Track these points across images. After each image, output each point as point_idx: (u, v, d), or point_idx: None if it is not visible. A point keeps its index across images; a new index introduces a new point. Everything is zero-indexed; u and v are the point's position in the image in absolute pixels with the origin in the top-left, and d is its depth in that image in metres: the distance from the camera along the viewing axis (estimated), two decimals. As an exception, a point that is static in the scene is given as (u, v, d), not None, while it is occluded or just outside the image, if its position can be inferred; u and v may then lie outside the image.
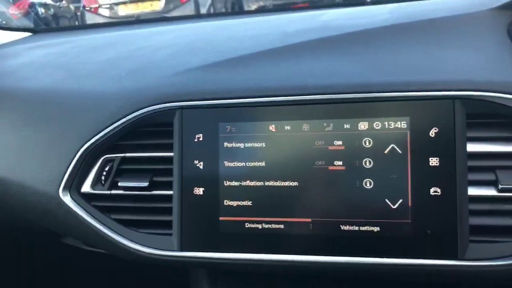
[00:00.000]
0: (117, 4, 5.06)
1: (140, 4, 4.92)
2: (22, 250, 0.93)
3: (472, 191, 0.44)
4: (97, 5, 5.20)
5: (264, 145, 0.48)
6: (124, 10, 5.06)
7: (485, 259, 0.43)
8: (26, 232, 0.76)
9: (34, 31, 1.02)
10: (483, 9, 0.55)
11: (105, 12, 5.21)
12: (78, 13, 5.56)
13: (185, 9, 5.24)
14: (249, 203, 0.48)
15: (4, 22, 1.09)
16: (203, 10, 6.25)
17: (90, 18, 5.30)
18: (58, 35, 0.99)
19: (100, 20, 5.10)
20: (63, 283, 1.04)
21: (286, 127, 0.48)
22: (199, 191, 0.49)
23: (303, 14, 0.75)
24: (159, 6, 4.99)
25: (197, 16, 1.64)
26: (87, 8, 5.21)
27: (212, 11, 6.30)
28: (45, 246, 0.86)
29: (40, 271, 1.01)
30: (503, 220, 0.44)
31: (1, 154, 0.57)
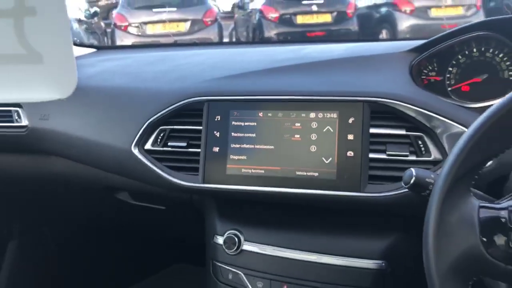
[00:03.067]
0: (145, 23, 5.50)
1: (167, 25, 5.36)
2: (79, 205, 1.28)
3: (371, 155, 0.77)
4: (126, 24, 5.63)
5: (255, 124, 0.82)
6: (152, 30, 5.50)
7: (376, 192, 0.75)
8: (88, 188, 1.11)
9: (98, 47, 1.40)
10: (397, 51, 0.90)
11: (133, 30, 5.65)
12: (109, 30, 6.02)
13: (208, 32, 5.70)
14: (245, 157, 0.81)
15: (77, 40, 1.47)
16: (225, 33, 6.66)
17: (119, 35, 5.75)
18: (116, 52, 1.36)
19: (129, 36, 5.52)
20: (109, 234, 1.38)
21: (268, 114, 0.82)
22: (216, 149, 0.83)
23: (290, 47, 1.11)
24: (184, 27, 5.43)
25: (220, 43, 2.03)
26: (117, 25, 5.66)
27: (230, 35, 6.71)
28: (99, 201, 1.20)
29: (93, 223, 1.35)
30: (389, 172, 0.76)
31: (96, 126, 0.92)
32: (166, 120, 0.87)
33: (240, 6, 6.92)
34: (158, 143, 0.87)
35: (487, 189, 0.63)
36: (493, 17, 0.86)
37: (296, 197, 0.79)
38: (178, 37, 5.36)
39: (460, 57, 0.88)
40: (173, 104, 0.86)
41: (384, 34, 6.41)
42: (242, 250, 0.83)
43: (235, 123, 0.82)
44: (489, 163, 0.71)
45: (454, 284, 0.51)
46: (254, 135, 0.82)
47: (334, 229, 0.81)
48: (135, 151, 0.86)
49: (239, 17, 7.05)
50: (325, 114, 0.80)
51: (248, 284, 0.82)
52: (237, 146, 0.82)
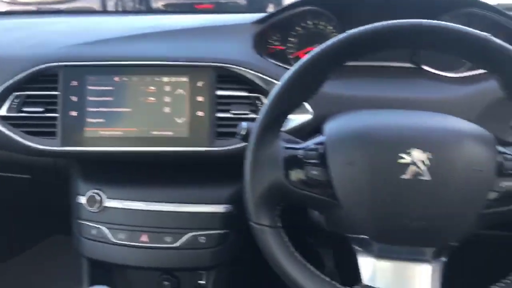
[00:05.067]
0: (16, -11, 5.02)
1: (41, -9, 4.94)
2: None
3: (219, 114, 0.87)
4: (-6, -12, 5.08)
5: (112, 88, 0.87)
6: (24, -4, 5.04)
7: (224, 146, 0.85)
8: None
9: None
10: (244, 22, 1.00)
11: (3, -4, 5.12)
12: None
13: (91, 1, 5.38)
14: (102, 120, 0.86)
15: None
16: (111, 3, 6.33)
17: (-14, 1, 5.18)
18: None
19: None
20: None
21: (124, 79, 0.87)
22: (74, 113, 0.86)
23: (151, 17, 1.16)
24: (61, -6, 5.06)
25: (89, 12, 1.98)
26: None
27: (116, 3, 6.39)
28: None
29: None
30: (233, 129, 0.86)
31: None
32: (21, 86, 0.88)
33: (125, -26, 6.62)
34: (14, 109, 0.88)
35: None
36: (321, -6, 1.00)
37: (153, 154, 0.86)
38: (56, 5, 5.00)
39: (298, 28, 1.01)
40: (27, 70, 0.87)
41: (271, 7, 6.61)
42: (105, 207, 0.89)
43: (91, 88, 0.87)
44: (308, 117, 0.85)
45: (265, 208, 0.63)
46: (111, 98, 0.87)
47: (188, 181, 0.91)
48: None
49: (124, -15, 6.75)
50: (177, 78, 0.87)
51: (111, 237, 0.88)
52: (94, 109, 0.86)
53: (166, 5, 6.20)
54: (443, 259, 0.65)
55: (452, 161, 0.58)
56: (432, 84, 0.91)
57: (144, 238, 0.88)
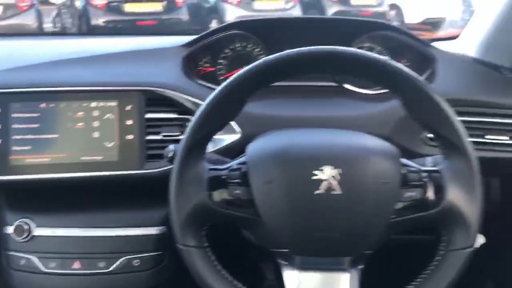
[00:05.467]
0: None
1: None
2: None
3: (149, 137, 0.88)
4: None
5: (38, 115, 0.86)
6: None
7: (154, 168, 0.86)
8: None
9: None
10: (173, 45, 1.03)
11: None
12: None
13: (24, 17, 5.21)
14: (29, 147, 0.85)
15: None
16: (48, 19, 6.16)
17: None
18: None
19: None
20: None
21: (51, 105, 0.86)
22: None
23: (90, 39, 1.16)
24: (-5, 12, 4.87)
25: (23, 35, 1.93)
26: None
27: (54, 22, 6.24)
28: None
29: None
30: (162, 151, 0.88)
31: None
32: None
33: (62, -9, 6.47)
34: None
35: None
36: (246, 19, 1.05)
37: (83, 180, 0.86)
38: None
39: (227, 50, 1.05)
40: None
41: (214, 23, 6.70)
42: (34, 236, 0.87)
43: (16, 115, 0.85)
44: (236, 137, 0.89)
45: (191, 230, 0.65)
46: (37, 125, 0.86)
47: (120, 205, 0.91)
48: None
49: (61, 3, 6.59)
50: (105, 103, 0.88)
51: (41, 266, 0.86)
52: (20, 137, 0.85)
53: (107, 21, 6.10)
54: (360, 266, 0.70)
55: (360, 176, 0.63)
56: (352, 102, 0.97)
57: (77, 265, 0.87)
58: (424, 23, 7.74)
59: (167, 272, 0.91)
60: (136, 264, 0.88)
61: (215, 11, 6.71)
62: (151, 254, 0.89)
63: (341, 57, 0.64)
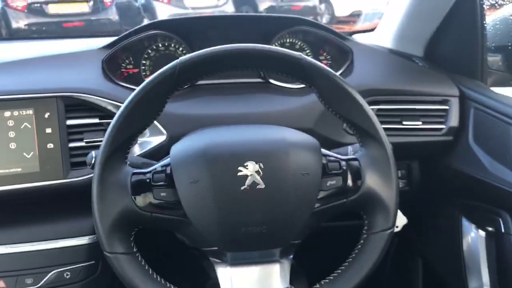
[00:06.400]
0: None
1: None
2: None
3: (71, 144, 0.85)
4: None
5: None
6: None
7: (79, 176, 0.84)
8: None
9: None
10: (92, 48, 1.00)
11: None
12: None
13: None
14: None
15: None
16: None
17: None
18: None
19: None
20: None
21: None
22: None
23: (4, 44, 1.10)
24: None
25: None
26: None
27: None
28: None
29: None
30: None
31: None
32: None
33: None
34: None
35: None
36: (166, 19, 1.03)
37: (2, 194, 0.81)
38: None
39: (149, 51, 1.03)
40: None
41: (146, 22, 6.53)
42: None
43: None
44: (162, 139, 0.88)
45: (118, 236, 0.64)
46: None
47: (46, 217, 0.87)
48: None
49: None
50: (21, 112, 0.84)
51: None
52: None
53: (30, 24, 5.77)
54: (290, 256, 0.72)
55: (281, 169, 0.65)
56: (277, 97, 0.99)
57: (1, 284, 0.82)
58: (352, 15, 8.05)
59: (101, 282, 0.89)
60: (67, 277, 0.85)
61: (146, 10, 6.55)
62: (82, 264, 0.86)
63: (258, 54, 0.65)
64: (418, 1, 1.08)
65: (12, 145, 0.83)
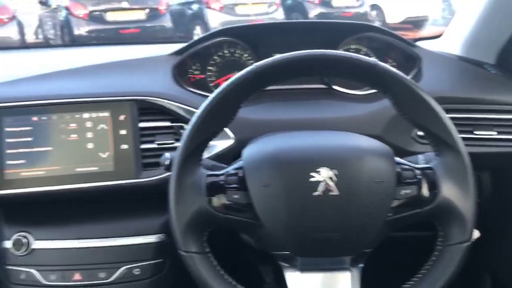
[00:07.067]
0: None
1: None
2: None
3: (143, 146, 0.89)
4: None
5: (31, 129, 0.86)
6: None
7: (150, 177, 0.87)
8: None
9: None
10: (162, 54, 1.04)
11: None
12: None
13: (6, 30, 5.15)
14: (23, 161, 0.85)
15: None
16: (30, 30, 6.10)
17: None
18: None
19: None
20: None
21: (43, 118, 0.86)
22: None
23: (77, 50, 1.16)
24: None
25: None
26: None
27: (36, 33, 6.18)
28: None
29: None
30: (158, 159, 0.88)
31: None
32: None
33: (43, 2, 6.41)
34: None
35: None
36: (233, 26, 1.06)
37: (79, 191, 0.86)
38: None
39: (215, 57, 1.06)
40: None
41: (198, 29, 6.71)
42: (33, 249, 0.87)
43: (9, 129, 0.85)
44: (230, 143, 0.90)
45: (192, 236, 0.65)
46: (30, 139, 0.86)
47: (118, 215, 0.91)
48: None
49: (43, 14, 6.53)
50: (98, 114, 0.88)
51: (42, 279, 0.86)
52: (14, 151, 0.85)
53: (90, 31, 6.06)
54: (361, 265, 0.71)
55: (356, 176, 0.65)
56: (341, 103, 0.99)
57: (77, 276, 0.86)
58: (405, 22, 7.86)
59: (167, 281, 0.91)
60: (137, 273, 0.88)
61: (198, 17, 6.72)
62: (151, 262, 0.89)
63: (331, 60, 0.66)
64: (491, 7, 1.04)
65: (90, 145, 0.87)
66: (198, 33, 6.63)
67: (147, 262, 0.89)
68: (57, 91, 0.89)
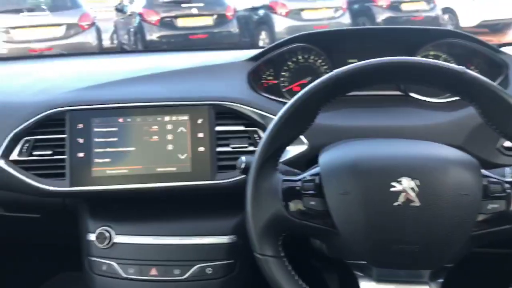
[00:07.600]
0: (14, 28, 5.13)
1: (37, 29, 5.04)
2: None
3: (219, 148, 0.92)
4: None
5: (116, 129, 0.92)
6: (22, 35, 5.15)
7: (225, 179, 0.89)
8: None
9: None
10: (238, 60, 1.06)
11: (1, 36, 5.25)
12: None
13: (85, 36, 5.52)
14: (109, 160, 0.91)
15: None
16: (106, 36, 6.47)
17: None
18: None
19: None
20: None
21: (128, 120, 0.92)
22: (81, 155, 0.91)
23: (153, 56, 1.22)
24: (59, 32, 5.18)
25: (89, 53, 2.06)
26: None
27: (111, 38, 6.53)
28: None
29: None
30: (234, 162, 0.91)
31: None
32: (30, 131, 0.92)
33: (119, 9, 6.79)
34: (25, 153, 0.92)
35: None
36: (309, 32, 1.06)
37: (159, 190, 0.90)
38: (53, 42, 5.12)
39: (289, 63, 1.07)
40: (36, 116, 0.92)
41: (263, 35, 6.78)
42: (114, 243, 0.93)
43: (97, 130, 0.91)
44: (304, 148, 0.90)
45: (268, 239, 0.67)
46: (116, 139, 0.91)
47: (193, 214, 0.94)
48: (1, 163, 0.91)
49: (118, 20, 6.91)
50: (178, 117, 0.92)
51: (121, 272, 0.91)
52: (101, 150, 0.91)
53: (161, 37, 6.31)
54: (440, 280, 0.68)
55: (439, 187, 0.63)
56: (419, 111, 0.96)
57: (154, 271, 0.91)
58: (480, 26, 7.45)
59: (238, 282, 0.93)
60: (209, 272, 0.91)
61: (264, 23, 6.79)
62: (222, 262, 0.91)
63: (418, 68, 0.64)
64: None
65: (170, 147, 0.91)
66: (263, 38, 6.71)
67: (219, 262, 0.91)
68: (140, 95, 0.94)
